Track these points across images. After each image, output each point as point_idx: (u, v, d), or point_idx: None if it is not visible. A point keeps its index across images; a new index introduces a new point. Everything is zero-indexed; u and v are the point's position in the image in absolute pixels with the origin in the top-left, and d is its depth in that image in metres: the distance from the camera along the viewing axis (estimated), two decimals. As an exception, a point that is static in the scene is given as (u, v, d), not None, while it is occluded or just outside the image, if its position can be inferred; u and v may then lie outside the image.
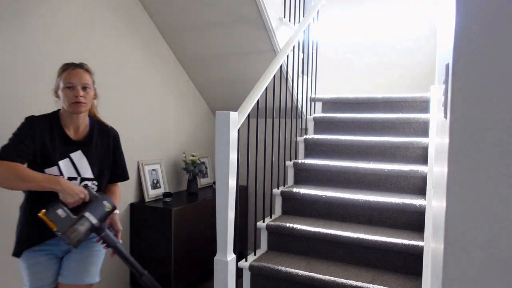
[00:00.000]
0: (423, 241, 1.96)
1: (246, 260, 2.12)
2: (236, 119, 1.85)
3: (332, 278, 1.87)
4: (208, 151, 3.55)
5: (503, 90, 0.56)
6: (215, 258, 1.85)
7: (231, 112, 1.80)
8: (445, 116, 0.75)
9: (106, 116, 2.44)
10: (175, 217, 2.55)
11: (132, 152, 2.68)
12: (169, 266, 2.54)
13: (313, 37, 3.16)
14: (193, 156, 3.06)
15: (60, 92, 1.49)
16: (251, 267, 2.07)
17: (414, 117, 2.66)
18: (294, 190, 2.43)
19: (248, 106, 2.01)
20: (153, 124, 2.87)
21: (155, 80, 2.86)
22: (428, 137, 2.60)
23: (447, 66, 0.74)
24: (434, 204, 1.13)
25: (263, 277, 2.06)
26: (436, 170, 1.30)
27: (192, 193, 3.06)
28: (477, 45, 0.59)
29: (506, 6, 0.55)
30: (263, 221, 2.33)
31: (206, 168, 3.22)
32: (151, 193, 2.78)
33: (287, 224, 2.22)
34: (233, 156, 1.83)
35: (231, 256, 1.86)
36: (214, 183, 3.31)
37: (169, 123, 3.04)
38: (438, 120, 1.31)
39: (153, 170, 2.87)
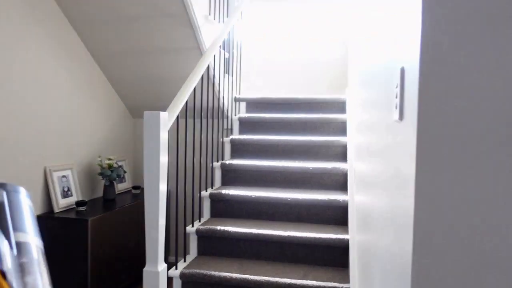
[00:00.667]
0: (347, 234, 2.08)
1: (176, 268, 2.01)
2: (167, 119, 1.74)
3: (266, 278, 1.88)
4: (125, 154, 3.31)
5: (464, 91, 0.60)
6: (144, 269, 1.72)
7: (161, 112, 1.68)
8: (400, 118, 0.78)
9: (6, 116, 2.11)
10: (92, 228, 2.30)
11: (37, 157, 2.35)
12: (85, 285, 2.29)
13: (237, 36, 3.15)
14: (110, 159, 2.82)
15: None
16: (182, 275, 1.97)
17: (334, 117, 2.82)
18: (223, 191, 2.38)
19: (178, 106, 1.91)
20: (62, 125, 2.56)
21: (64, 76, 2.55)
22: (346, 136, 2.77)
23: (402, 69, 0.77)
24: (384, 202, 1.19)
25: (195, 284, 1.98)
26: (374, 167, 1.37)
27: (109, 199, 2.81)
28: (438, 49, 0.62)
29: (473, 11, 0.59)
30: (192, 226, 2.24)
31: (124, 172, 2.99)
32: (61, 203, 2.48)
33: (218, 227, 2.16)
34: (163, 159, 1.72)
35: (163, 266, 1.74)
36: (133, 187, 3.09)
37: (81, 124, 2.75)
38: (380, 120, 1.39)
39: (63, 176, 2.56)
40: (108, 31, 2.59)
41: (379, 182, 1.05)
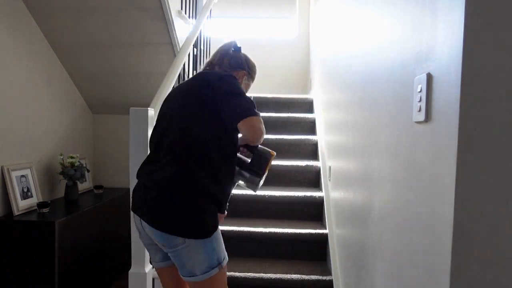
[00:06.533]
0: (324, 229, 2.17)
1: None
2: (153, 116, 1.70)
3: (252, 274, 1.91)
4: (84, 152, 3.13)
5: (503, 94, 0.69)
6: (130, 272, 1.66)
7: (148, 109, 1.64)
8: (426, 120, 0.85)
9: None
10: (59, 231, 2.16)
11: (-5, 156, 2.15)
12: (52, 290, 2.14)
13: (205, 33, 3.12)
14: (72, 158, 2.65)
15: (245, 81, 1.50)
16: (164, 276, 1.92)
17: (304, 116, 2.91)
18: (201, 190, 2.36)
19: (160, 103, 1.85)
20: (19, 121, 2.35)
21: (21, 69, 2.35)
22: (315, 134, 2.88)
23: (428, 75, 0.85)
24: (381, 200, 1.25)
25: (178, 285, 1.95)
26: (368, 164, 1.45)
27: (71, 200, 2.65)
28: (477, 55, 0.70)
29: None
30: (171, 225, 2.19)
31: (88, 171, 2.83)
32: (21, 205, 2.29)
33: (198, 226, 2.14)
34: (150, 157, 1.67)
35: (149, 267, 1.70)
36: (95, 187, 2.94)
37: (39, 120, 2.55)
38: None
39: (22, 176, 2.37)
40: (71, 21, 2.43)
41: (380, 180, 1.12)
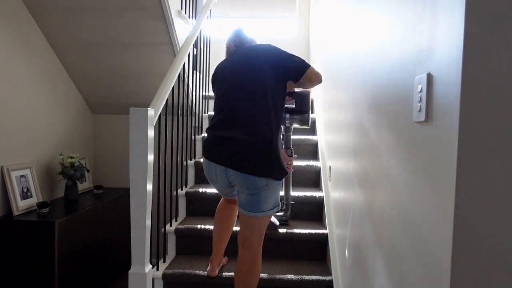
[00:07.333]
0: (324, 229, 2.17)
1: (157, 269, 1.96)
2: (153, 116, 1.69)
3: (252, 275, 1.90)
4: (84, 152, 3.13)
5: (505, 95, 0.69)
6: (130, 272, 1.66)
7: (148, 109, 1.63)
8: (426, 120, 0.85)
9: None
10: (59, 231, 2.16)
11: (-6, 156, 2.15)
12: (52, 290, 2.14)
13: (205, 33, 3.11)
14: (72, 158, 2.65)
15: None
16: (164, 276, 1.92)
17: (303, 116, 2.90)
18: (201, 190, 2.36)
19: (159, 104, 1.85)
20: (19, 121, 2.35)
21: (21, 69, 2.35)
22: (315, 134, 2.88)
23: (428, 75, 0.85)
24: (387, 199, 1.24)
25: (178, 285, 1.95)
26: (368, 164, 1.45)
27: (71, 200, 2.65)
28: (477, 55, 0.69)
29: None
30: (171, 225, 2.19)
31: (88, 171, 2.82)
32: (21, 205, 2.29)
33: (198, 226, 2.15)
34: (150, 158, 1.67)
35: (149, 267, 1.70)
36: (95, 187, 2.94)
37: (39, 120, 2.55)
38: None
39: (22, 176, 2.37)
40: (71, 21, 2.43)
41: (380, 180, 1.12)
